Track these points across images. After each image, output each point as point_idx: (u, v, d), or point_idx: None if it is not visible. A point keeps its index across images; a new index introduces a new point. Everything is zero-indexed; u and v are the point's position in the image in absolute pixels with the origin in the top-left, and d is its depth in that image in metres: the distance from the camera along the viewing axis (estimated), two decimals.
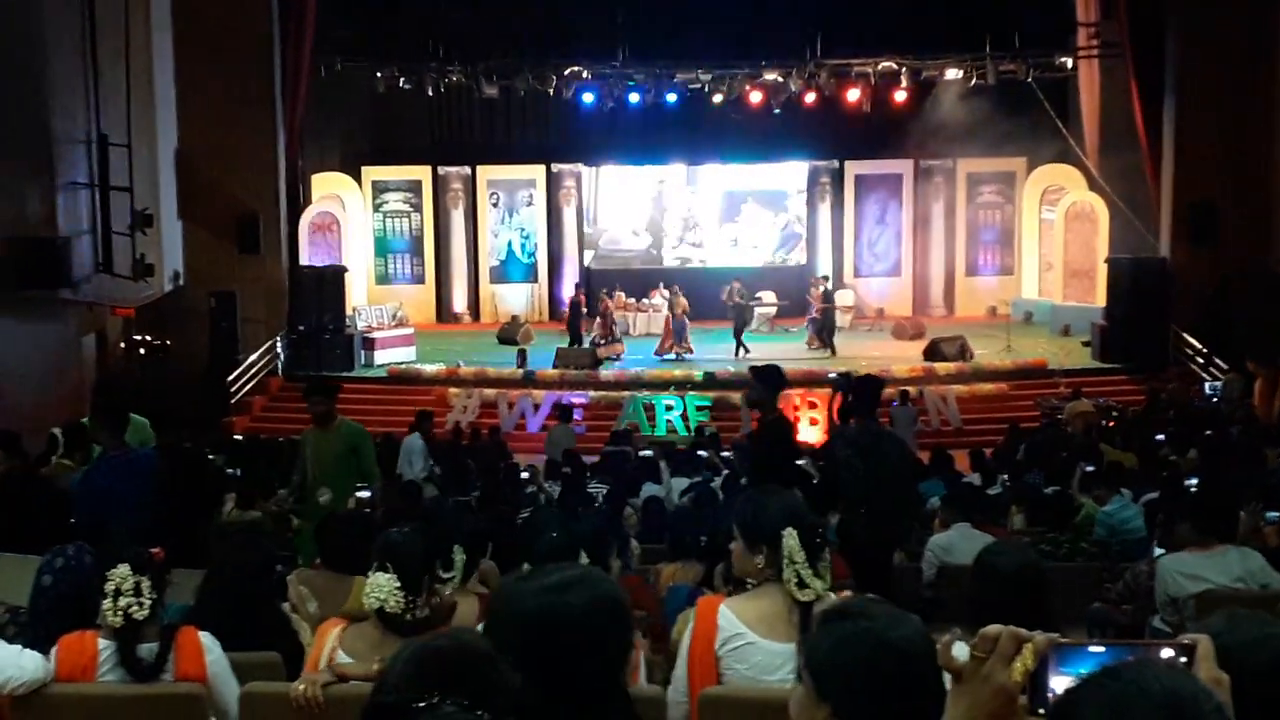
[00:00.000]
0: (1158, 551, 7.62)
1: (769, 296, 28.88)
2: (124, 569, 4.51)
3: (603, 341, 25.64)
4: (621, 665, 2.61)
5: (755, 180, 31.39)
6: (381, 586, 4.40)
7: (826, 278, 27.44)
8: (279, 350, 24.35)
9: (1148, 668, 1.62)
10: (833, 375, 20.85)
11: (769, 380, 9.25)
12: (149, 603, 4.53)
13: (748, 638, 4.11)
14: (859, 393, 8.87)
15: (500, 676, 1.84)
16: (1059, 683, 1.77)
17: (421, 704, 1.77)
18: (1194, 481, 9.30)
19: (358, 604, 4.58)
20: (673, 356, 25.20)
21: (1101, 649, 1.77)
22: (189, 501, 8.63)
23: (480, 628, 3.01)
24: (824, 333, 25.84)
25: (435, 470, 15.36)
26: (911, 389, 21.64)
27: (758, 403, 9.36)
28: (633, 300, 28.37)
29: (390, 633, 4.41)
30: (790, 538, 4.09)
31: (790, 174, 31.23)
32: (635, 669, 4.25)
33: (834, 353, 24.97)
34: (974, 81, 27.54)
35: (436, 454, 16.17)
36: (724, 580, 5.71)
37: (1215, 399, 20.42)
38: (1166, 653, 1.78)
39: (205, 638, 4.65)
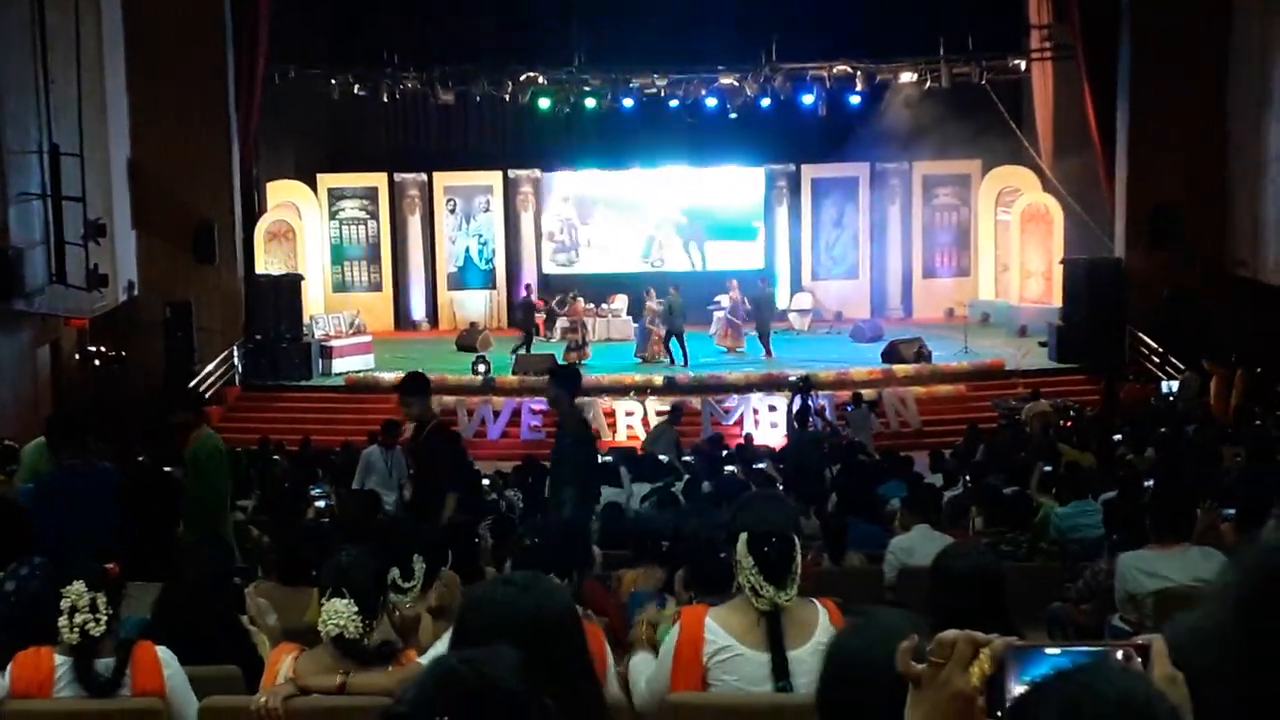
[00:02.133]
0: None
1: (725, 301, 28.77)
2: (79, 586, 4.46)
3: (575, 348, 25.55)
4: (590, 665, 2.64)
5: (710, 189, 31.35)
6: (340, 613, 4.34)
7: (736, 283, 26.65)
8: (236, 360, 24.19)
9: (1101, 670, 1.62)
10: (792, 379, 21.06)
11: (415, 390, 9.70)
12: (105, 619, 4.49)
13: (736, 649, 4.09)
14: (560, 381, 9.80)
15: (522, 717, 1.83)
16: (1017, 686, 1.77)
17: None
18: (1151, 481, 9.35)
19: (316, 616, 4.53)
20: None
21: (1058, 651, 1.77)
22: (150, 516, 8.61)
23: (448, 634, 3.00)
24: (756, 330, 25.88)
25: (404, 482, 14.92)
26: (869, 391, 21.77)
27: (418, 415, 9.62)
28: (591, 306, 28.27)
29: (347, 657, 4.37)
30: (740, 543, 4.08)
31: (746, 181, 31.20)
32: (604, 676, 4.25)
33: (685, 362, 24.59)
34: (928, 84, 27.62)
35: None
36: (684, 586, 5.69)
37: (1172, 398, 20.61)
38: (1122, 654, 1.78)
39: (163, 652, 4.61)
